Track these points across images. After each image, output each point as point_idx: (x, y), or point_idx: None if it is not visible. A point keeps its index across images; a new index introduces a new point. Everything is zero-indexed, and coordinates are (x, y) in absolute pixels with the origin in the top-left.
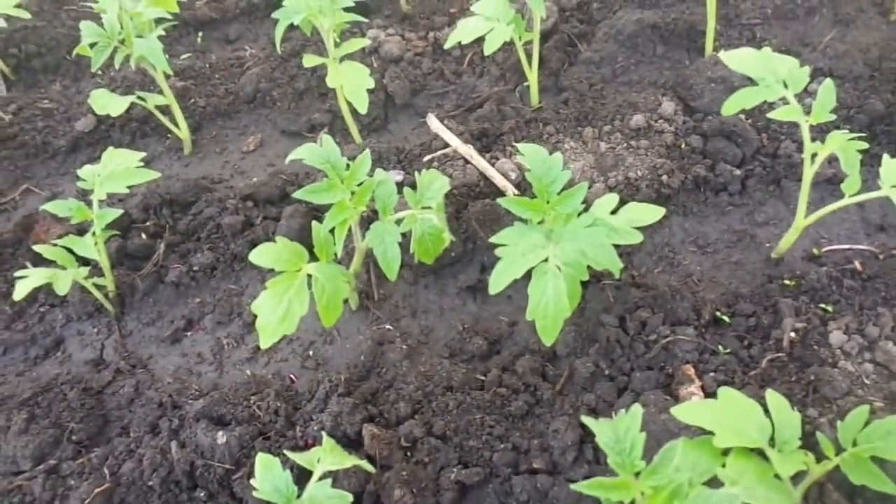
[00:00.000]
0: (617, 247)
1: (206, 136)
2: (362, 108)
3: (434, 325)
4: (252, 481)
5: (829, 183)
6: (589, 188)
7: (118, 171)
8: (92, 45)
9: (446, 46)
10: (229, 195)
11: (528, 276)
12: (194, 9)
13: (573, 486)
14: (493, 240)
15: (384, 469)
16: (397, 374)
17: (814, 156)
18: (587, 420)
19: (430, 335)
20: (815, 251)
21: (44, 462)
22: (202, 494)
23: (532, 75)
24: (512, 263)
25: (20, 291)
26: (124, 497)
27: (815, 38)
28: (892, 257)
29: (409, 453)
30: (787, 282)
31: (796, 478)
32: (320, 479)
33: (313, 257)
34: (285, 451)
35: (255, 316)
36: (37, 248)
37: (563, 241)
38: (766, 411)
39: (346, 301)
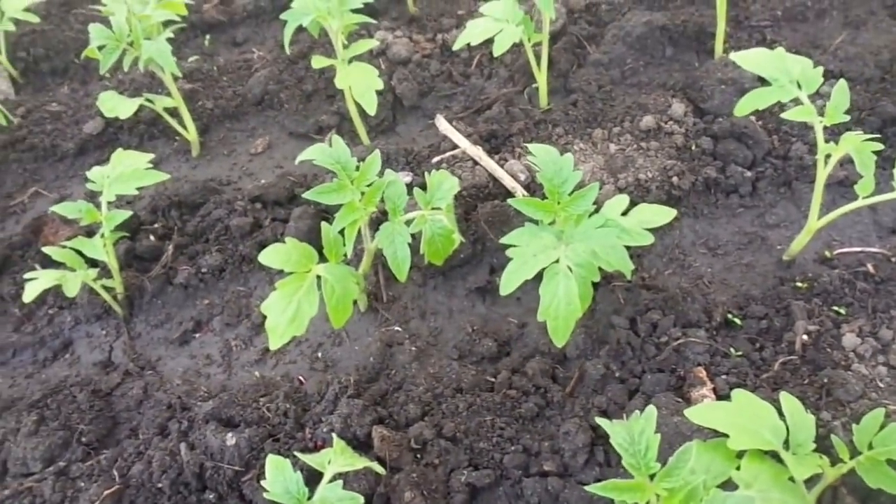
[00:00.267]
0: (627, 248)
1: (214, 139)
2: (371, 110)
3: (443, 327)
4: (263, 483)
5: (841, 185)
6: (599, 189)
7: (127, 172)
8: (101, 48)
9: (455, 48)
10: (237, 197)
11: (537, 277)
12: (202, 12)
13: (588, 488)
14: (503, 240)
15: (394, 471)
16: (406, 375)
17: (827, 157)
18: (601, 421)
19: (439, 337)
20: (827, 254)
21: (53, 464)
22: (212, 496)
23: (541, 77)
24: (523, 264)
25: (30, 293)
26: (134, 499)
27: (826, 40)
28: None
29: (418, 455)
30: (799, 284)
31: (810, 481)
32: (331, 480)
33: (322, 258)
34: (296, 453)
35: (264, 317)
36: (46, 249)
37: (574, 242)
38: (781, 414)
39: (354, 302)
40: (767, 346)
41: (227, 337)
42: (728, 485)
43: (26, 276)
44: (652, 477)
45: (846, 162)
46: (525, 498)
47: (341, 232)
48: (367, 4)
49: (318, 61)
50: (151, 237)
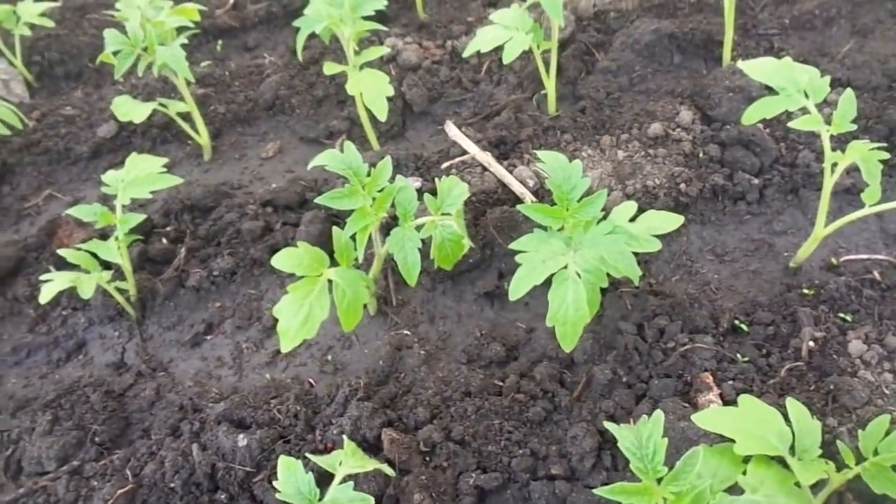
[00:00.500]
0: (635, 254)
1: (226, 143)
2: (382, 116)
3: (452, 331)
4: (274, 483)
5: (848, 193)
6: (607, 196)
7: (141, 176)
8: (116, 53)
9: (465, 55)
10: (249, 201)
11: (545, 283)
12: (214, 17)
13: (595, 491)
14: (512, 246)
15: (403, 473)
16: (416, 379)
17: (834, 165)
18: (610, 426)
19: (447, 341)
20: (834, 261)
21: (67, 463)
22: (223, 497)
23: (549, 84)
24: (532, 270)
25: (46, 295)
26: (146, 498)
27: (833, 48)
28: None
29: (427, 458)
30: (805, 291)
31: (816, 486)
32: (342, 482)
33: (334, 262)
34: (307, 454)
35: (275, 320)
36: (61, 252)
37: (582, 248)
38: (787, 419)
39: (364, 306)
40: (774, 353)
41: (239, 339)
42: (734, 489)
43: (42, 277)
44: (659, 481)
45: (853, 170)
46: (533, 501)
47: (352, 237)
48: (377, 11)
49: (329, 67)
50: (164, 240)
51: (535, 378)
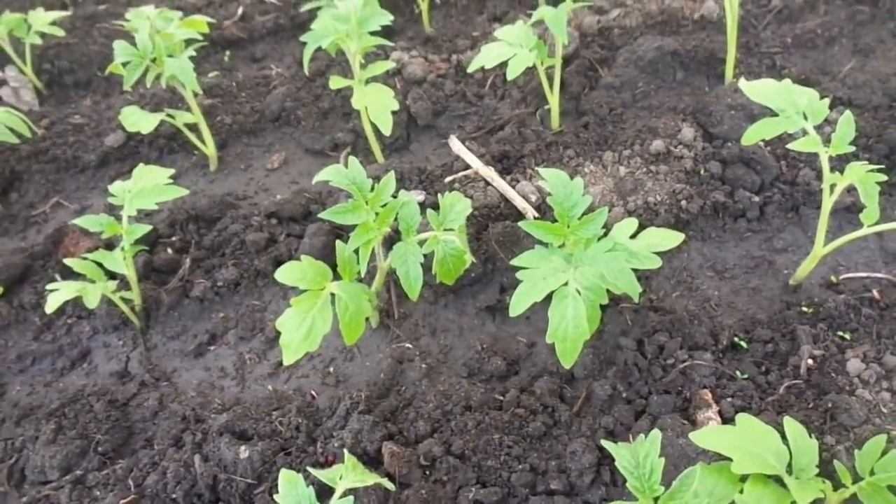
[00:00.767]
0: (635, 271)
1: (232, 154)
2: (386, 130)
3: (453, 345)
4: (275, 496)
5: (848, 211)
6: (608, 212)
7: (148, 187)
8: (125, 64)
9: (469, 70)
10: (254, 212)
11: (546, 298)
12: (222, 28)
13: None
14: (514, 262)
15: (403, 487)
16: (417, 392)
17: (832, 186)
18: (607, 444)
19: (449, 354)
20: (833, 279)
21: (70, 473)
22: None
23: (553, 99)
24: (533, 286)
25: (52, 304)
26: None
27: (835, 67)
28: None
29: (428, 472)
30: (804, 309)
31: None
32: (342, 496)
33: (336, 276)
34: (308, 468)
35: (278, 332)
36: (67, 261)
37: (583, 266)
38: (784, 438)
39: (367, 319)
40: (773, 370)
41: (242, 350)
42: None
43: (48, 286)
44: (656, 500)
45: (853, 188)
46: None
47: (356, 251)
48: (383, 26)
49: (335, 82)
50: (169, 250)
51: (535, 393)
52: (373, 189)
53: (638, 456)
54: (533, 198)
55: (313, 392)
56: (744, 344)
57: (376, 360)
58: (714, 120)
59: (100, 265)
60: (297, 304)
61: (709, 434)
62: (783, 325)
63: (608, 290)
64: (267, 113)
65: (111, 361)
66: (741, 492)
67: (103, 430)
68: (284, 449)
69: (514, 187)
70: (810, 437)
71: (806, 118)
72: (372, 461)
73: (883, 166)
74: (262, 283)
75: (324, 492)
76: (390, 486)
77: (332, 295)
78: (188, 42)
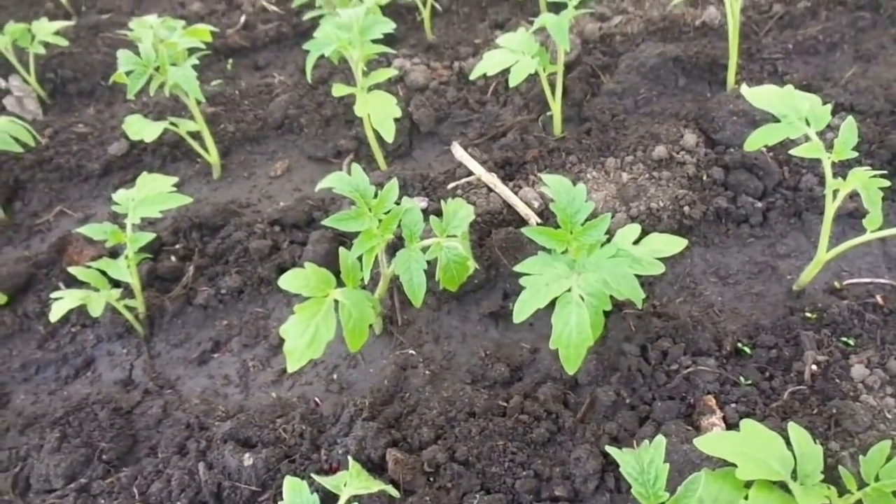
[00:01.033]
0: (639, 276)
1: (235, 161)
2: (389, 137)
3: (456, 351)
4: None
5: (851, 216)
6: (611, 218)
7: (152, 196)
8: (128, 73)
9: (472, 78)
10: (257, 219)
11: (549, 304)
12: (225, 37)
13: None
14: (517, 269)
15: (407, 494)
16: (420, 399)
17: (835, 192)
18: (611, 450)
19: (452, 361)
20: (837, 284)
21: (75, 481)
22: None
23: (555, 105)
24: (536, 293)
25: (56, 313)
26: None
27: (837, 73)
28: None
29: (431, 479)
30: (808, 314)
31: None
32: (347, 503)
33: (340, 283)
34: (312, 475)
35: (281, 339)
36: (72, 270)
37: (586, 272)
38: (789, 444)
39: (370, 326)
40: (777, 376)
41: (245, 357)
42: None
43: (52, 295)
44: None
45: (856, 194)
46: None
47: (359, 258)
48: (386, 33)
49: (338, 90)
50: (173, 258)
51: (538, 399)
52: (376, 196)
53: (642, 462)
54: (536, 204)
55: (317, 399)
56: (747, 350)
57: (380, 367)
58: (716, 126)
59: (104, 273)
60: (300, 311)
61: (713, 440)
62: (787, 331)
63: (611, 296)
64: (270, 120)
65: (115, 369)
66: (746, 498)
67: (108, 438)
68: (288, 456)
69: (516, 193)
70: (815, 442)
71: (808, 124)
72: (376, 468)
73: (885, 172)
74: (266, 290)
75: (328, 499)
76: (394, 492)
77: (336, 302)
78: (191, 51)
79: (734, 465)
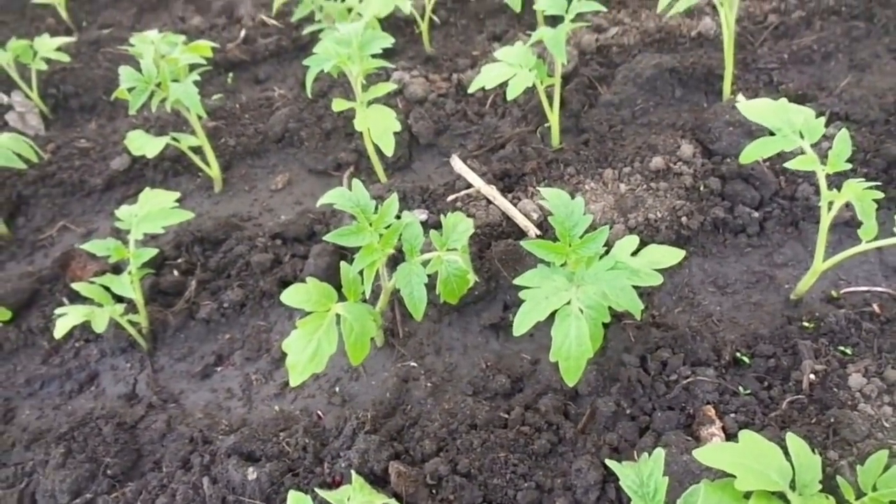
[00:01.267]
0: (637, 287)
1: (236, 175)
2: (388, 151)
3: (458, 363)
4: None
5: (848, 225)
6: (609, 229)
7: (154, 211)
8: (130, 90)
9: (470, 90)
10: (258, 233)
11: (549, 316)
12: (225, 51)
13: None
14: (516, 282)
15: None
16: (422, 411)
17: (830, 203)
18: (611, 463)
19: (453, 372)
20: (834, 293)
21: (80, 496)
22: None
23: (553, 117)
24: (536, 306)
25: (60, 329)
26: None
27: (832, 82)
28: None
29: (434, 491)
30: (806, 324)
31: None
32: None
33: (341, 297)
34: (315, 489)
35: (284, 352)
36: (75, 286)
37: (585, 284)
38: (787, 454)
39: (372, 339)
40: (775, 385)
41: (248, 371)
42: None
43: (56, 311)
44: None
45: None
46: None
47: (360, 272)
48: (384, 47)
49: (338, 104)
50: (175, 272)
51: (539, 410)
52: (376, 210)
53: (642, 475)
54: (535, 216)
55: (320, 412)
56: (746, 359)
57: (382, 380)
58: (713, 136)
59: (107, 289)
60: (302, 325)
61: (712, 451)
62: (785, 340)
63: (610, 308)
64: (270, 134)
65: (119, 384)
66: None
67: (112, 452)
68: (292, 470)
69: (515, 205)
70: (813, 452)
71: (802, 136)
72: (379, 481)
73: (880, 182)
74: (268, 303)
75: None
76: None
77: (338, 316)
78: (192, 67)
79: (733, 476)
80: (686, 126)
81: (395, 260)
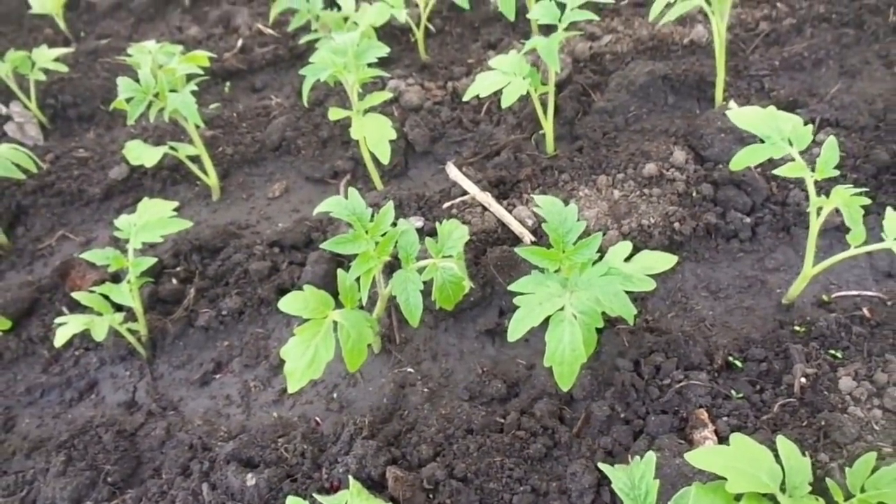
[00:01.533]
0: (631, 292)
1: (234, 183)
2: (385, 159)
3: (454, 368)
4: None
5: (838, 230)
6: (603, 235)
7: (153, 220)
8: (128, 100)
9: (465, 99)
10: (256, 241)
11: (544, 321)
12: (222, 60)
13: None
14: (511, 288)
15: None
16: (419, 416)
17: (819, 209)
18: (604, 466)
19: (450, 378)
20: (825, 297)
21: None
22: None
23: (547, 124)
24: (530, 312)
25: (61, 338)
26: None
27: (822, 88)
28: None
29: (431, 495)
30: (797, 328)
31: None
32: None
33: (338, 304)
34: (314, 495)
35: (282, 359)
36: (75, 295)
37: (578, 290)
38: (778, 457)
39: (369, 345)
40: (767, 389)
41: (246, 378)
42: None
43: (56, 320)
44: None
45: None
46: None
47: (357, 279)
48: (380, 58)
49: (334, 113)
50: (174, 280)
51: (535, 415)
52: (372, 218)
53: (633, 478)
54: (529, 222)
55: (317, 418)
56: (738, 363)
57: (379, 385)
58: (705, 143)
59: (106, 298)
60: (300, 332)
61: (703, 454)
62: (776, 345)
63: (604, 313)
64: (267, 142)
65: (118, 392)
66: None
67: (112, 460)
68: (290, 476)
69: (510, 212)
70: (803, 455)
71: (791, 144)
72: (376, 486)
73: (869, 188)
74: (266, 311)
75: None
76: None
77: (335, 323)
78: (189, 77)
79: (725, 479)
80: (679, 133)
81: (392, 267)
